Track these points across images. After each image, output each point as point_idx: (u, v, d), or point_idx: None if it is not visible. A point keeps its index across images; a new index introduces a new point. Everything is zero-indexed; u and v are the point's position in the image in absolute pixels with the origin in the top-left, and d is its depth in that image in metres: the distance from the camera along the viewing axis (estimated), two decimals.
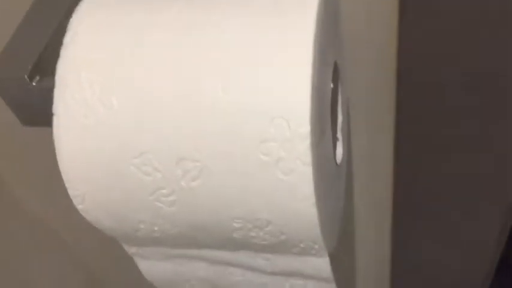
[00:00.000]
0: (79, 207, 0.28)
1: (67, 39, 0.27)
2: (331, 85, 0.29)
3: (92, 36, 0.26)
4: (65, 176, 0.27)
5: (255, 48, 0.24)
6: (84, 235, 0.44)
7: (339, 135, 0.33)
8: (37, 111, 0.32)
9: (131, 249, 0.32)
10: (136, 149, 0.26)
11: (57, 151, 0.27)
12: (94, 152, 0.26)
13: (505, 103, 0.38)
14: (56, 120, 0.26)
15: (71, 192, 0.27)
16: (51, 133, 0.29)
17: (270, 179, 0.25)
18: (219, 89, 0.24)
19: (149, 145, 0.25)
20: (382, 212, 0.54)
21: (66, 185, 0.27)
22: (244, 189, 0.25)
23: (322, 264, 0.29)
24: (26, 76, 0.30)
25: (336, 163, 0.31)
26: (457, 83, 0.38)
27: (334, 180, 0.30)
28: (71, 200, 0.28)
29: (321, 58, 0.25)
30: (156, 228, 0.28)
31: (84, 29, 0.27)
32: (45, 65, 0.32)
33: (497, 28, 0.34)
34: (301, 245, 0.28)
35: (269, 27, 0.25)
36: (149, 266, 0.33)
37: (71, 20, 0.28)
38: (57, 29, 0.32)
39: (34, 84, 0.31)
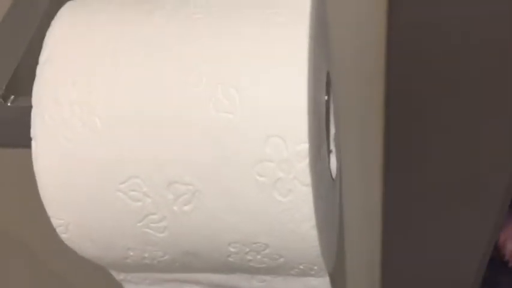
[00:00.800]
0: (63, 236, 0.26)
1: (42, 58, 0.25)
2: (326, 97, 0.28)
3: (68, 54, 0.25)
4: (46, 204, 0.25)
5: (246, 65, 0.23)
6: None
7: (332, 146, 0.32)
8: (13, 132, 0.30)
9: (119, 276, 0.30)
10: (123, 173, 0.24)
11: (37, 177, 0.25)
12: (77, 178, 0.24)
13: (495, 107, 0.38)
14: (35, 144, 0.25)
15: (54, 221, 0.26)
16: (28, 155, 0.27)
17: (267, 201, 0.23)
18: (210, 107, 0.23)
19: (137, 169, 0.24)
20: (371, 215, 0.53)
21: (49, 213, 0.26)
22: (240, 212, 0.24)
23: (322, 284, 0.28)
24: None
25: (332, 177, 0.30)
26: (446, 89, 0.37)
27: (330, 196, 0.29)
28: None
29: (315, 72, 0.24)
30: (146, 255, 0.27)
31: (60, 48, 0.25)
32: (19, 83, 0.30)
33: (488, 51, 0.34)
34: (301, 267, 0.26)
35: (260, 43, 0.23)
36: None
37: (46, 37, 0.26)
38: (30, 43, 0.31)
39: (9, 104, 0.29)
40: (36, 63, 0.27)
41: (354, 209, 0.54)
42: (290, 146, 0.22)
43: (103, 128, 0.24)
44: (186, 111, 0.23)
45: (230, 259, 0.26)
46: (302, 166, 0.23)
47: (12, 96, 0.29)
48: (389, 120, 0.41)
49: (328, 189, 0.28)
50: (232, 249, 0.25)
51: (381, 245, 0.57)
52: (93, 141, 0.24)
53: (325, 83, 0.28)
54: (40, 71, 0.25)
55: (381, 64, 0.36)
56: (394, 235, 0.54)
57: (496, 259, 0.64)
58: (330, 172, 0.29)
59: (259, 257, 0.26)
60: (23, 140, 0.28)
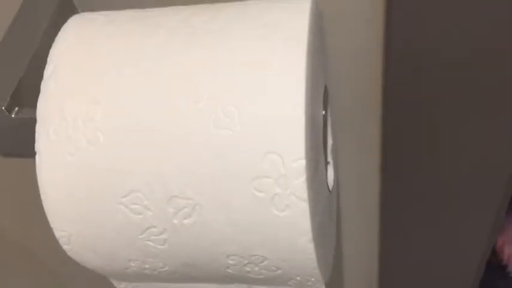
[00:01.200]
0: (65, 247, 0.27)
1: (47, 73, 0.26)
2: (323, 112, 0.28)
3: (72, 71, 0.25)
4: (50, 217, 0.26)
5: (245, 83, 0.23)
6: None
7: (330, 158, 0.32)
8: (17, 143, 0.31)
9: (120, 285, 0.31)
10: (125, 187, 0.25)
11: (41, 190, 0.25)
12: (80, 191, 0.25)
13: (493, 112, 0.38)
14: (39, 158, 0.25)
15: (56, 233, 0.26)
16: (31, 164, 0.28)
17: (265, 216, 0.24)
18: (210, 124, 0.24)
19: (138, 183, 0.24)
20: (369, 215, 0.53)
21: (52, 225, 0.26)
22: (239, 226, 0.24)
23: None
24: (4, 108, 0.29)
25: (329, 189, 0.30)
26: (444, 92, 0.37)
27: (327, 208, 0.30)
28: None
29: (312, 88, 0.25)
30: (146, 266, 0.27)
31: (64, 64, 0.26)
32: (24, 95, 0.31)
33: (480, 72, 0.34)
34: (298, 278, 0.27)
35: (259, 62, 0.24)
36: None
37: (51, 52, 0.26)
38: (34, 55, 0.31)
39: (13, 116, 0.30)
40: (40, 74, 0.27)
41: (351, 213, 0.54)
42: (287, 162, 0.23)
43: (106, 143, 0.24)
44: (187, 127, 0.24)
45: (229, 270, 0.27)
46: (299, 182, 0.23)
47: (17, 108, 0.30)
48: (387, 123, 0.41)
49: (324, 202, 0.29)
50: (230, 261, 0.26)
51: (379, 248, 0.57)
52: (96, 156, 0.24)
53: (322, 97, 0.28)
54: (45, 86, 0.26)
55: (378, 69, 0.37)
56: (391, 240, 0.54)
57: (493, 263, 0.65)
58: (327, 184, 0.30)
59: (257, 268, 0.26)
60: (27, 151, 0.29)
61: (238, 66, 0.24)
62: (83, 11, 0.36)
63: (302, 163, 0.23)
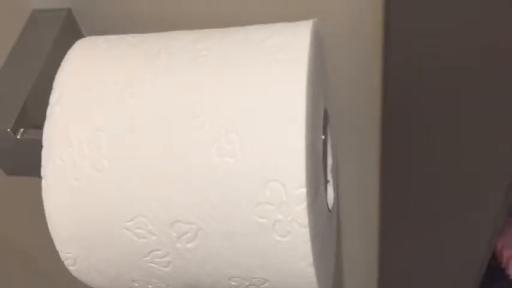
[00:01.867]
0: (71, 268, 0.27)
1: (53, 99, 0.26)
2: (323, 136, 0.29)
3: (78, 97, 0.26)
4: (55, 239, 0.26)
5: (247, 111, 0.24)
6: None
7: (330, 177, 0.33)
8: (22, 163, 0.31)
9: None
10: (129, 212, 0.25)
11: (47, 214, 0.26)
12: (85, 216, 0.25)
13: (492, 121, 0.38)
14: (45, 183, 0.26)
15: (62, 255, 0.27)
16: (36, 182, 0.28)
17: (267, 241, 0.25)
18: (212, 151, 0.24)
19: (142, 208, 0.25)
20: (369, 219, 0.54)
21: (57, 248, 0.27)
22: (241, 250, 0.25)
23: None
24: (9, 129, 0.30)
25: (329, 209, 0.31)
26: (444, 99, 0.37)
27: (327, 228, 0.30)
28: None
29: (313, 113, 0.25)
30: (150, 287, 0.28)
31: (70, 89, 0.26)
32: (29, 116, 0.31)
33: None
34: None
35: (259, 89, 0.24)
36: None
37: (56, 78, 0.27)
38: (39, 76, 0.32)
39: (18, 137, 0.30)
40: (45, 95, 0.28)
41: (351, 218, 0.54)
42: (289, 190, 0.24)
43: (110, 170, 0.25)
44: (189, 154, 0.24)
45: None
46: (300, 209, 0.24)
47: (22, 129, 0.30)
48: (386, 128, 0.41)
49: (325, 222, 0.29)
50: (232, 283, 0.27)
51: (378, 253, 0.57)
52: (101, 182, 0.25)
53: (322, 119, 0.29)
54: (51, 111, 0.26)
55: (378, 84, 0.37)
56: (390, 247, 0.54)
57: (492, 266, 0.65)
58: (327, 204, 0.31)
59: None
60: (31, 170, 0.30)
61: (239, 95, 0.24)
62: (86, 30, 0.37)
63: (303, 191, 0.23)
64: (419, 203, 0.49)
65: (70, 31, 0.36)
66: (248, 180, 0.24)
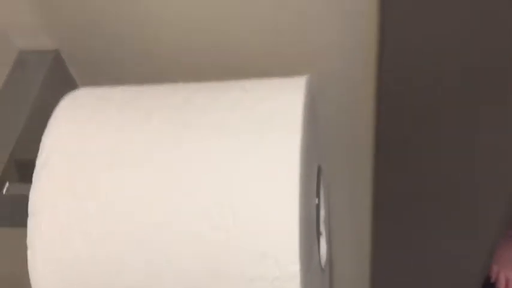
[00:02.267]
0: None
1: (39, 163, 0.25)
2: (316, 200, 0.28)
3: (64, 165, 0.25)
4: None
5: (241, 186, 0.23)
6: None
7: (322, 228, 0.32)
8: (7, 216, 0.31)
9: None
10: (118, 283, 0.24)
11: (32, 285, 0.25)
12: (73, 285, 0.25)
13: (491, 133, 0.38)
14: (31, 253, 0.25)
15: None
16: (20, 235, 0.27)
17: None
18: (204, 225, 0.23)
19: (132, 279, 0.24)
20: (361, 221, 0.53)
21: None
22: None
23: None
24: None
25: (321, 267, 0.31)
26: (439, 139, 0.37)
27: (319, 285, 0.30)
28: None
29: (306, 182, 0.25)
30: None
31: (56, 155, 0.25)
32: (13, 170, 0.30)
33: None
34: None
35: (252, 161, 0.23)
36: None
37: (43, 139, 0.26)
38: (24, 127, 0.31)
39: (4, 193, 0.29)
40: (31, 145, 0.27)
41: (342, 216, 0.54)
42: (282, 266, 0.23)
43: (98, 240, 0.24)
44: (181, 227, 0.24)
45: None
46: (293, 285, 0.23)
47: (7, 184, 0.29)
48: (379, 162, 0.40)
49: (317, 282, 0.29)
50: None
51: (370, 254, 0.57)
52: (89, 252, 0.24)
53: (315, 183, 0.28)
54: (37, 177, 0.25)
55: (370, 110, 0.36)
56: (384, 240, 0.53)
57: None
58: (320, 263, 0.30)
59: None
60: (17, 223, 0.29)
61: (232, 169, 0.24)
62: (75, 71, 0.36)
63: (296, 268, 0.23)
64: (413, 245, 0.48)
65: (58, 72, 0.35)
66: (241, 255, 0.23)
